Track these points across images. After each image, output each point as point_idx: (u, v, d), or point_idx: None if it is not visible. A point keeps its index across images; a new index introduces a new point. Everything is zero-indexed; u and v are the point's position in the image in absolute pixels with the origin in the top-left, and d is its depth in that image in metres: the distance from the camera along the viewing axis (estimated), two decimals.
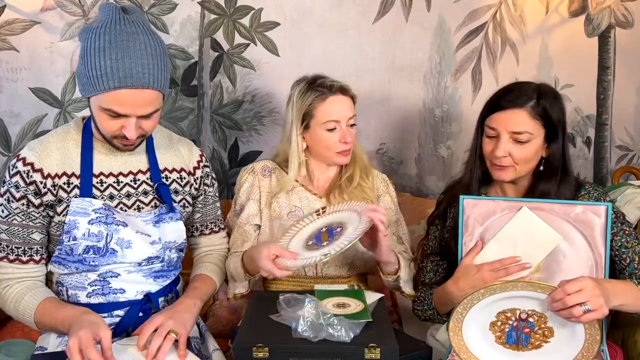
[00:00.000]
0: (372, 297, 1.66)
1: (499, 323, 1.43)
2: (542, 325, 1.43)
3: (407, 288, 1.79)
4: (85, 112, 2.36)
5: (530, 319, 1.42)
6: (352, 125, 1.85)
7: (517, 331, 1.43)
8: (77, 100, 2.41)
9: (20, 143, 2.39)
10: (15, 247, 1.54)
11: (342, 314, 1.48)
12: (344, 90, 1.84)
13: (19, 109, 2.39)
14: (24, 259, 1.55)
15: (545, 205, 1.58)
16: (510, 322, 1.43)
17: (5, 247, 1.54)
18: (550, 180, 1.69)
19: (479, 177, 1.76)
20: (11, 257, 1.54)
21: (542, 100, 1.64)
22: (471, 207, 1.61)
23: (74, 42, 2.38)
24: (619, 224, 1.66)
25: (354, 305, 1.55)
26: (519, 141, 1.64)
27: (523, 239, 1.57)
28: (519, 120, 1.63)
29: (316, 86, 1.82)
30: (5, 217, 1.54)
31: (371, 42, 2.52)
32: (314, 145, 1.85)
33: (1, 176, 2.38)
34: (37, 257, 1.57)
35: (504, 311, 1.42)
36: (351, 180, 1.89)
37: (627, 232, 1.66)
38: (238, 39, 2.48)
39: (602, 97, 2.62)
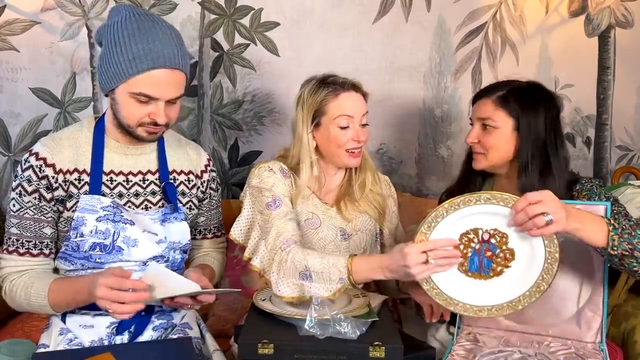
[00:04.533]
0: (376, 299, 1.66)
1: (461, 247, 1.43)
2: (504, 247, 1.42)
3: None
4: (88, 112, 2.40)
5: (492, 240, 1.42)
6: (364, 125, 1.80)
7: (480, 255, 1.43)
8: (77, 100, 2.41)
9: (20, 143, 2.39)
10: (26, 240, 1.55)
11: (348, 312, 1.48)
12: (356, 87, 1.80)
13: (19, 109, 2.39)
14: (35, 252, 1.56)
15: None
16: (473, 244, 1.43)
17: (15, 240, 1.55)
18: (529, 173, 1.70)
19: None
20: (21, 251, 1.55)
21: (511, 92, 1.73)
22: None
23: (74, 42, 2.38)
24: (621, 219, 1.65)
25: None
26: (486, 128, 1.74)
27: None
28: (485, 109, 1.74)
29: (328, 83, 1.77)
30: (17, 210, 1.55)
31: (371, 42, 2.52)
32: (325, 145, 1.78)
33: (0, 176, 2.38)
34: (47, 251, 1.58)
35: (467, 232, 1.43)
36: (363, 187, 1.85)
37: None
38: (238, 39, 2.47)
39: (602, 97, 2.62)
